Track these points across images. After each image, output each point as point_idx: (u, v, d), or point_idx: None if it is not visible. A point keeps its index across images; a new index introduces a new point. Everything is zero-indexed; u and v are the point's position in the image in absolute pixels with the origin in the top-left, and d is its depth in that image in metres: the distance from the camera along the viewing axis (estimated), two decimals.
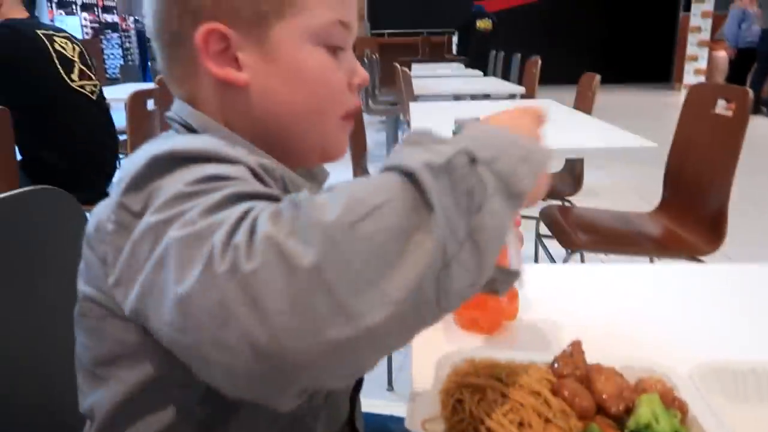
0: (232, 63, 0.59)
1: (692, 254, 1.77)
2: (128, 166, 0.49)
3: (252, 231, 0.39)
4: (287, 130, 0.62)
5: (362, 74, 0.65)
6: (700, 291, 0.93)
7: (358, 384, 0.72)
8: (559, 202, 2.44)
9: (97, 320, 0.54)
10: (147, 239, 0.44)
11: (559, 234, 1.95)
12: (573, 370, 0.58)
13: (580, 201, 2.49)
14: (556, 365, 0.59)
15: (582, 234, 1.91)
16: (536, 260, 2.57)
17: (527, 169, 0.43)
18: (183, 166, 0.47)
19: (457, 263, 0.38)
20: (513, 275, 0.51)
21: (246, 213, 0.40)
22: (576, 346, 0.61)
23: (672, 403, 0.55)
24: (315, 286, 0.37)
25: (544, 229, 2.17)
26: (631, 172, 4.33)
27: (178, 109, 0.61)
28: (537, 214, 2.23)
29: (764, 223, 3.48)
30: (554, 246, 2.09)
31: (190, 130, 0.60)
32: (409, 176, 0.40)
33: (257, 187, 0.46)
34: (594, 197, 3.26)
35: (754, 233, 3.22)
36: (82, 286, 0.55)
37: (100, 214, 0.51)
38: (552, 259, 2.44)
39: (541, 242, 2.35)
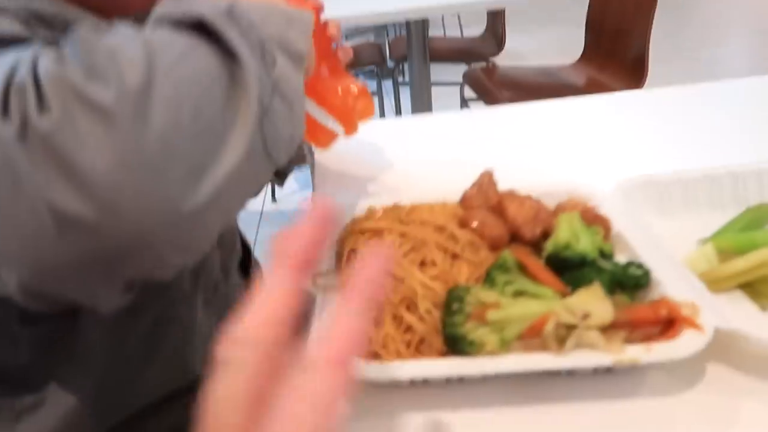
0: None
1: None
2: None
3: (35, 77, 0.29)
4: None
5: None
6: (615, 117, 0.87)
7: (246, 261, 0.63)
8: (483, 64, 2.34)
9: None
10: None
11: (483, 94, 1.88)
12: (484, 200, 0.51)
13: (504, 63, 2.40)
14: (464, 199, 0.51)
15: (506, 91, 1.84)
16: None
17: (295, 31, 0.40)
18: None
19: (272, 111, 0.36)
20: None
21: (16, 61, 0.31)
22: (486, 176, 0.53)
23: (594, 220, 0.49)
24: (145, 136, 0.30)
25: (469, 94, 2.08)
26: (554, 32, 4.24)
27: None
28: (460, 78, 2.13)
29: (685, 64, 3.51)
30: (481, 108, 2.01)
31: None
32: (198, 26, 0.34)
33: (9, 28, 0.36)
34: (518, 59, 3.17)
35: (677, 75, 3.25)
36: None
37: None
38: None
39: (467, 106, 2.27)
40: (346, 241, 0.48)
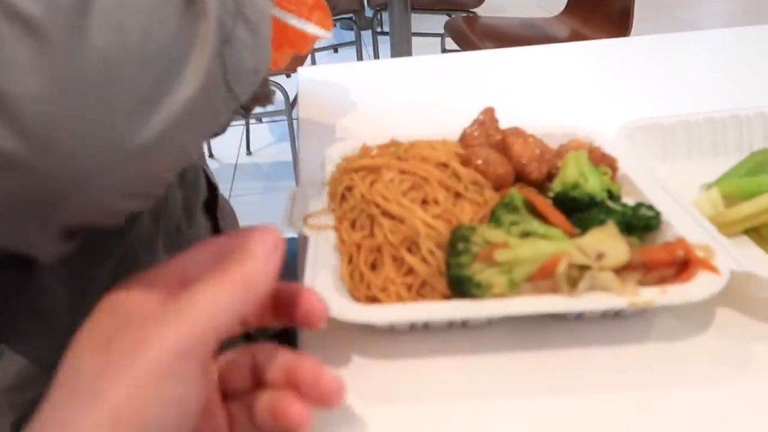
0: None
1: None
2: None
3: None
4: None
5: None
6: (605, 63, 0.85)
7: (211, 201, 0.58)
8: (463, 14, 2.28)
9: None
10: None
11: (464, 44, 1.83)
12: (485, 138, 0.48)
13: (485, 15, 2.34)
14: (464, 136, 0.48)
15: (488, 42, 1.79)
16: None
17: None
18: None
19: (235, 39, 0.31)
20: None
21: None
22: (488, 112, 0.50)
23: (600, 160, 0.47)
24: (84, 55, 0.25)
25: (450, 45, 2.03)
26: None
27: None
28: (441, 30, 2.08)
29: (663, 22, 3.49)
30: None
31: None
32: None
33: None
34: (499, 12, 3.11)
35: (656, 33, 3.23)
36: None
37: None
38: None
39: None
40: (340, 181, 0.45)
